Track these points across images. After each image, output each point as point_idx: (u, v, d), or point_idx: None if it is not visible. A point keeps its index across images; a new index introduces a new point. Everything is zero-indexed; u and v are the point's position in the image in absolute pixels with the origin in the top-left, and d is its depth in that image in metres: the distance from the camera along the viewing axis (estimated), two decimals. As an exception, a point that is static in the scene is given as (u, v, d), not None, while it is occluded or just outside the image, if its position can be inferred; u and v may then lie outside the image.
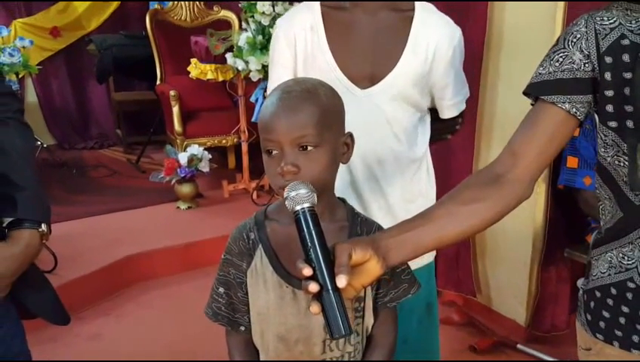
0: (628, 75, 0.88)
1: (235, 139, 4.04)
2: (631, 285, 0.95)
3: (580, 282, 2.06)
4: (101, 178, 4.37)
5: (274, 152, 0.92)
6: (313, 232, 0.82)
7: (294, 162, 0.90)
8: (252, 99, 3.60)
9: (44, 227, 1.14)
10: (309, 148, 0.91)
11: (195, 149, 3.58)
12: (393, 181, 1.29)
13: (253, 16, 3.34)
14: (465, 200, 0.91)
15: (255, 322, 1.03)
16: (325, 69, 1.21)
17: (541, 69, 0.96)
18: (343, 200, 1.05)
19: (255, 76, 3.39)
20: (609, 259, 0.99)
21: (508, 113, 2.33)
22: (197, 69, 3.61)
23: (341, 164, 0.99)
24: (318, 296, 0.78)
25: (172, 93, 3.83)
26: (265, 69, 3.36)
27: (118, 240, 3.15)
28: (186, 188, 3.63)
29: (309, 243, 0.81)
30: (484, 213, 0.91)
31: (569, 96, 0.92)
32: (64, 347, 2.37)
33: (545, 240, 2.33)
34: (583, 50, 0.91)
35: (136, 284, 2.94)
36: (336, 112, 0.96)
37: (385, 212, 1.29)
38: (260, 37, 3.34)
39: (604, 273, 1.00)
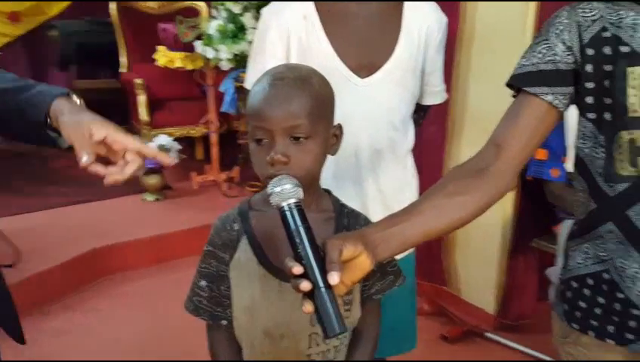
0: (609, 68, 0.89)
1: (204, 130, 3.97)
2: (606, 276, 0.97)
3: (548, 271, 2.11)
4: (63, 168, 4.24)
5: (264, 141, 0.90)
6: (301, 229, 0.80)
7: (285, 152, 0.87)
8: (222, 88, 3.55)
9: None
10: (301, 138, 0.89)
11: (164, 139, 3.51)
12: (388, 170, 1.29)
13: (223, 4, 3.28)
14: (449, 193, 0.91)
15: (239, 316, 1.01)
16: (323, 58, 1.19)
17: (524, 60, 0.96)
18: (328, 192, 1.04)
19: (226, 65, 3.34)
20: (585, 249, 1.01)
21: (479, 109, 2.36)
22: (165, 56, 3.54)
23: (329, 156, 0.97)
24: (310, 294, 0.76)
25: (138, 81, 3.74)
26: (236, 58, 3.31)
27: (83, 233, 3.07)
28: (153, 180, 3.55)
29: (298, 241, 0.79)
30: (468, 206, 0.91)
31: (552, 88, 0.92)
32: (28, 344, 2.28)
33: (514, 231, 2.38)
34: (565, 42, 0.92)
35: (103, 278, 2.88)
36: (329, 103, 0.95)
37: (379, 201, 1.29)
38: (230, 25, 3.29)
39: (580, 263, 1.02)
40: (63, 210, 3.42)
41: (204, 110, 3.87)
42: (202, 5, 4.17)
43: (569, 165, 2.23)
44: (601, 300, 0.98)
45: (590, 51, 0.90)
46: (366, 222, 1.03)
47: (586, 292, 1.01)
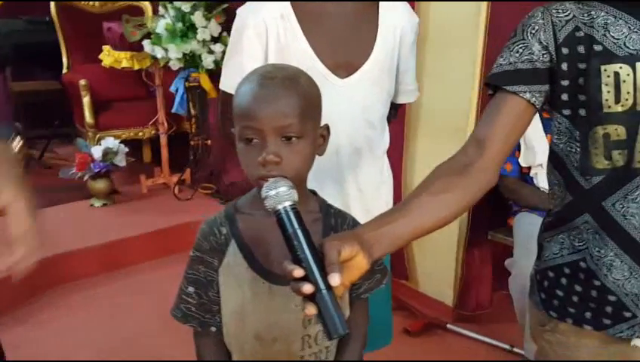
0: (582, 66, 0.93)
1: (153, 131, 3.87)
2: (583, 265, 1.02)
3: (507, 262, 2.19)
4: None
5: (254, 141, 0.88)
6: (299, 232, 0.79)
7: (277, 152, 0.87)
8: (172, 88, 3.47)
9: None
10: (293, 138, 0.88)
11: (110, 142, 3.39)
12: (368, 170, 1.30)
13: (172, 2, 3.20)
14: (436, 191, 0.92)
15: (228, 322, 0.99)
16: (302, 58, 1.18)
17: (501, 59, 0.99)
18: (313, 192, 1.04)
19: (175, 65, 3.26)
20: (560, 240, 1.05)
21: (433, 107, 2.42)
22: (110, 56, 3.42)
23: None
24: (311, 297, 0.76)
25: (82, 82, 3.60)
26: (186, 57, 3.25)
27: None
28: (100, 184, 3.43)
29: (296, 243, 0.78)
30: (455, 203, 0.93)
31: (529, 86, 0.96)
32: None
33: (469, 225, 2.45)
34: (541, 42, 0.95)
35: (54, 288, 2.75)
36: (317, 102, 0.94)
37: (358, 200, 1.30)
38: (179, 24, 3.21)
39: (556, 254, 1.06)
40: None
41: (151, 111, 3.77)
42: (146, 4, 4.07)
43: (522, 159, 2.32)
44: (578, 288, 1.03)
45: (565, 50, 0.94)
46: (353, 221, 1.04)
47: (563, 281, 1.05)
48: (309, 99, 0.92)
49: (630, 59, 0.91)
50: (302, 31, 1.20)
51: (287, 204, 0.81)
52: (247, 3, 1.23)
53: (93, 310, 2.65)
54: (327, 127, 0.98)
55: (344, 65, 1.23)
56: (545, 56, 0.95)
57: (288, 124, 0.87)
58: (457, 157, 0.99)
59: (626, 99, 0.91)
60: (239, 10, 1.23)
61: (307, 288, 0.75)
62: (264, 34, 1.20)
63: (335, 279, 0.75)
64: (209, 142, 3.58)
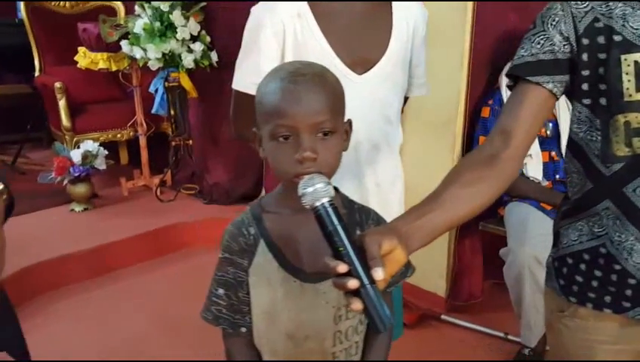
0: (603, 56, 0.96)
1: (132, 133, 3.80)
2: (602, 251, 1.04)
3: (502, 252, 2.23)
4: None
5: (289, 139, 0.88)
6: (339, 228, 0.79)
7: (314, 148, 0.86)
8: (151, 89, 3.41)
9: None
10: (327, 134, 0.88)
11: (90, 145, 3.32)
12: (385, 164, 1.31)
13: (149, 2, 3.15)
14: (466, 182, 0.94)
15: (258, 321, 0.99)
16: (320, 56, 1.17)
17: (522, 51, 1.01)
18: (336, 189, 1.04)
19: (154, 65, 3.21)
20: (579, 227, 1.08)
21: (421, 103, 2.42)
22: (87, 58, 3.34)
23: None
24: (355, 292, 0.76)
25: (58, 85, 3.50)
26: (165, 57, 3.20)
27: (8, 252, 2.83)
28: (80, 189, 3.36)
29: (337, 239, 0.78)
30: (486, 193, 0.95)
31: (551, 77, 0.98)
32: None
33: (460, 216, 2.48)
34: (562, 33, 0.98)
35: (42, 295, 2.68)
36: (344, 98, 0.94)
37: (376, 195, 1.30)
38: (157, 23, 3.16)
39: (575, 241, 1.09)
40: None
41: (128, 112, 3.71)
42: (119, 4, 4.00)
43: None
44: (597, 273, 1.06)
45: (585, 41, 0.96)
46: (376, 217, 1.04)
47: (582, 267, 1.08)
48: (338, 95, 0.92)
49: None
50: (319, 29, 1.20)
51: (325, 200, 0.81)
52: (261, 2, 1.22)
53: (82, 315, 2.59)
54: (350, 122, 0.98)
55: (361, 62, 1.23)
56: (566, 47, 0.98)
57: (323, 120, 0.87)
58: (483, 148, 1.00)
59: None
60: (254, 10, 1.22)
61: (353, 283, 0.75)
62: (281, 33, 1.19)
63: (379, 273, 0.76)
64: (191, 142, 3.54)
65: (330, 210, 0.80)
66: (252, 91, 1.19)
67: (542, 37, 0.99)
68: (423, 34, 1.31)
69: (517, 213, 2.25)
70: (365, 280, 0.76)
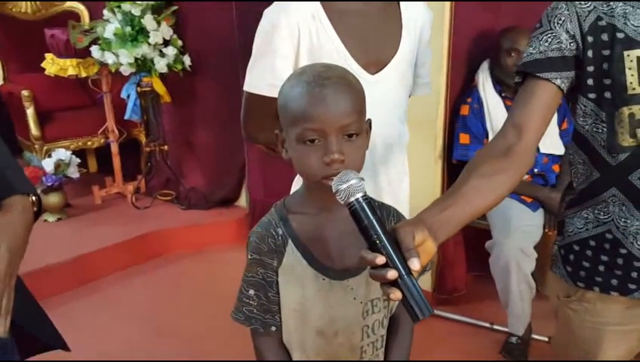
0: (606, 52, 1.02)
1: (103, 140, 3.72)
2: (609, 236, 1.10)
3: (488, 244, 2.29)
4: None
5: (316, 141, 0.89)
6: (374, 221, 0.81)
7: (342, 150, 0.88)
8: (123, 95, 3.35)
9: (33, 198, 1.10)
10: (353, 136, 0.90)
11: (62, 154, 3.24)
12: (396, 162, 1.34)
13: (119, 6, 3.10)
14: (486, 173, 0.98)
15: (288, 320, 1.00)
16: (336, 57, 1.19)
17: (531, 48, 1.06)
18: None
19: (127, 70, 3.16)
20: (585, 216, 1.14)
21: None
22: (55, 65, 3.25)
23: None
24: (393, 283, 0.78)
25: (25, 93, 3.39)
26: (137, 62, 3.15)
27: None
28: (54, 198, 3.28)
29: (373, 233, 0.80)
30: (505, 184, 0.99)
31: (559, 73, 1.04)
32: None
33: (443, 211, 2.54)
34: (568, 31, 1.03)
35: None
36: (365, 99, 0.96)
37: (388, 193, 1.33)
38: (128, 28, 3.11)
39: (580, 228, 1.14)
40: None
41: (98, 119, 3.62)
42: (82, 9, 3.90)
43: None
44: (604, 258, 1.12)
45: (590, 38, 1.02)
46: (396, 213, 1.07)
47: (589, 253, 1.14)
48: (361, 96, 0.94)
49: None
50: (334, 30, 1.21)
51: (359, 195, 0.83)
52: (275, 3, 1.22)
53: (65, 327, 2.51)
54: (370, 122, 1.00)
55: (374, 62, 1.25)
56: (572, 44, 1.03)
57: (350, 123, 0.89)
58: (497, 142, 1.05)
59: None
60: (267, 12, 1.22)
61: (392, 274, 0.78)
62: (296, 34, 1.20)
63: (415, 264, 0.78)
64: (166, 147, 3.49)
65: (364, 204, 0.82)
66: (266, 93, 1.21)
67: (549, 35, 1.04)
68: (429, 33, 1.35)
69: (500, 206, 2.29)
70: (403, 271, 0.78)
